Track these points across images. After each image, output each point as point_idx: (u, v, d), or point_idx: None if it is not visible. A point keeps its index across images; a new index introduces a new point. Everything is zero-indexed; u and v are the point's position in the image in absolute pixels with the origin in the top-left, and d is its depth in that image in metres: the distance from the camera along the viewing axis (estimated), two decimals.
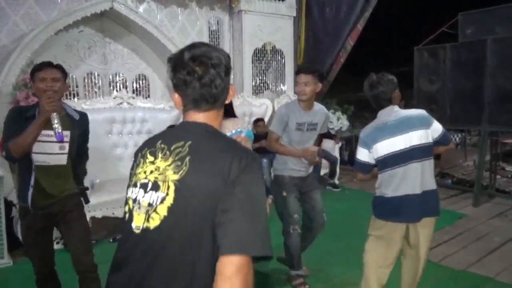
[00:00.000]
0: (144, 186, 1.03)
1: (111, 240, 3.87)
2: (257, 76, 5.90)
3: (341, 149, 6.61)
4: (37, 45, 3.93)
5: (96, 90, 4.92)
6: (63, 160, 2.16)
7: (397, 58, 11.21)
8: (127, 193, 1.09)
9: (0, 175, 3.38)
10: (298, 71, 2.88)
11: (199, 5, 5.36)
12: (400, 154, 2.17)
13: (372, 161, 2.27)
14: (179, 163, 1.00)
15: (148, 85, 5.38)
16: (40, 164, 2.11)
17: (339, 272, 3.23)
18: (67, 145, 2.15)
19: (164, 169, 1.01)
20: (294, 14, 6.08)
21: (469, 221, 4.42)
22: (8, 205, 3.66)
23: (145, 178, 1.04)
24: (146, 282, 0.98)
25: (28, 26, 4.12)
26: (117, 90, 4.99)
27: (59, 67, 2.18)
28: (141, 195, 1.03)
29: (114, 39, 5.00)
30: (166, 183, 0.99)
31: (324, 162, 5.74)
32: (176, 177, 0.99)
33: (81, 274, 2.25)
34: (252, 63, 5.74)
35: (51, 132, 2.05)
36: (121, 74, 5.15)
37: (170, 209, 0.98)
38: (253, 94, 5.79)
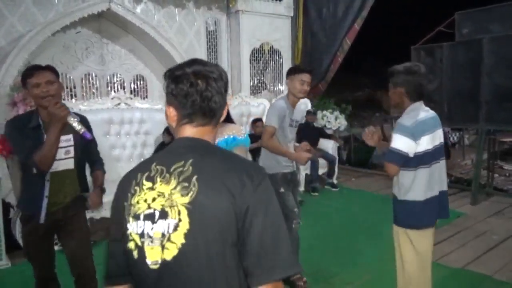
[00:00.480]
0: (150, 217, 0.94)
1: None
2: (255, 76, 5.90)
3: (339, 148, 6.62)
4: (34, 46, 3.92)
5: (93, 91, 4.91)
6: (70, 164, 2.13)
7: (394, 57, 11.23)
8: (126, 229, 0.97)
9: None
10: (301, 70, 2.85)
11: (196, 5, 5.36)
12: (430, 153, 2.12)
13: (411, 155, 2.08)
14: (185, 184, 0.93)
15: (146, 85, 5.38)
16: (52, 171, 2.05)
17: (338, 271, 3.24)
18: (72, 149, 2.11)
19: (169, 194, 0.94)
20: (292, 14, 6.09)
21: (467, 219, 4.44)
22: (6, 206, 3.65)
23: (149, 207, 0.95)
24: None
25: (25, 27, 4.12)
26: (114, 91, 4.98)
27: (50, 68, 2.06)
28: (149, 227, 0.94)
29: (111, 40, 5.00)
30: (176, 208, 0.92)
31: (323, 162, 5.75)
32: (186, 200, 0.92)
33: (81, 278, 2.22)
34: (250, 63, 5.74)
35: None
36: (118, 75, 5.15)
37: (187, 235, 0.91)
38: (251, 94, 5.80)
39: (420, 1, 12.05)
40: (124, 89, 5.09)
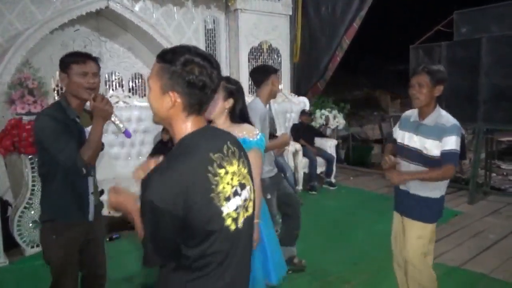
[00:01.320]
0: (235, 193, 1.12)
1: (107, 239, 3.86)
2: None
3: (337, 147, 6.63)
4: (32, 44, 3.91)
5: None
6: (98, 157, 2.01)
7: (393, 56, 11.24)
8: (220, 212, 1.06)
9: None
10: (276, 70, 2.94)
11: (195, 4, 5.35)
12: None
13: None
14: (242, 159, 1.18)
15: (144, 84, 5.37)
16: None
17: (336, 270, 3.24)
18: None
19: (238, 170, 1.14)
20: (290, 13, 6.09)
21: (464, 218, 4.45)
22: (4, 204, 3.65)
23: (232, 187, 1.11)
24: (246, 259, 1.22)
25: (23, 25, 4.10)
26: (113, 89, 4.98)
27: (96, 60, 1.95)
28: (238, 199, 1.13)
29: (110, 38, 4.99)
30: (246, 177, 1.19)
31: (321, 161, 5.76)
32: (246, 169, 1.20)
33: (92, 282, 2.15)
34: (249, 61, 5.73)
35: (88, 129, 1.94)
36: (117, 73, 5.14)
37: (252, 191, 1.23)
38: (249, 92, 5.79)
39: (418, 0, 12.07)
40: (122, 87, 5.08)
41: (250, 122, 2.07)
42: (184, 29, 5.32)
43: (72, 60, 1.88)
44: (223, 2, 5.56)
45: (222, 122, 1.96)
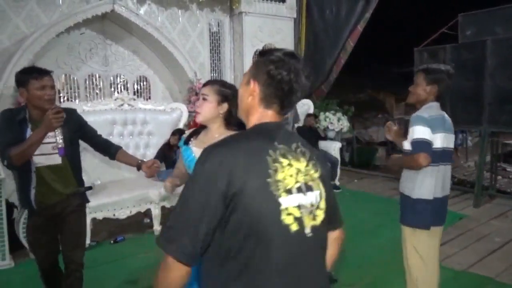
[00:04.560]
0: (300, 190, 1.05)
1: (112, 242, 3.88)
2: None
3: (341, 150, 6.62)
4: (38, 47, 3.95)
5: (97, 91, 4.94)
6: (57, 159, 2.18)
7: (397, 59, 11.21)
8: (278, 204, 1.00)
9: (1, 177, 3.39)
10: None
11: (199, 7, 5.37)
12: (440, 152, 2.13)
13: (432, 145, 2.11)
14: (313, 161, 1.12)
15: (149, 86, 5.40)
16: (39, 165, 2.14)
17: (338, 273, 3.23)
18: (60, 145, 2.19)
19: (306, 170, 1.09)
20: (295, 16, 6.09)
21: (470, 221, 4.42)
22: (10, 206, 3.67)
23: (296, 182, 1.05)
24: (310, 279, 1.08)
25: (30, 29, 4.14)
26: (118, 92, 5.01)
27: (50, 73, 2.14)
28: (303, 198, 1.05)
29: (115, 41, 5.02)
30: (316, 181, 1.10)
31: None
32: (318, 174, 1.12)
33: (66, 270, 2.29)
34: None
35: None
36: (122, 76, 5.17)
37: (326, 201, 1.13)
38: None
39: (423, 3, 12.04)
40: (127, 90, 5.11)
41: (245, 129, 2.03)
42: (188, 32, 5.34)
43: (30, 76, 2.05)
44: (227, 5, 5.59)
45: (216, 128, 1.85)
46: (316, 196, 1.09)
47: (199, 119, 1.84)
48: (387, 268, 3.28)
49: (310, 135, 5.78)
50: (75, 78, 4.79)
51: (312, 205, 1.07)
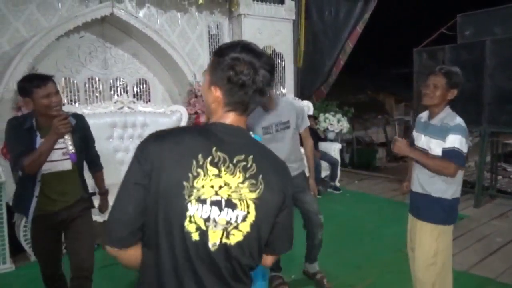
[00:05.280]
0: (217, 204, 1.00)
1: None
2: None
3: (341, 151, 6.62)
4: (38, 51, 3.95)
5: (97, 94, 4.94)
6: (66, 165, 2.18)
7: (397, 59, 11.22)
8: (185, 209, 0.99)
9: (1, 180, 3.40)
10: None
11: (198, 9, 5.39)
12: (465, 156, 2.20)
13: None
14: (253, 181, 1.03)
15: (149, 89, 5.40)
16: (45, 172, 2.13)
17: (340, 274, 3.24)
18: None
19: (237, 187, 1.01)
20: (294, 18, 6.10)
21: (470, 222, 4.42)
22: (10, 210, 3.67)
23: (216, 194, 1.00)
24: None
25: (29, 32, 4.15)
26: (117, 95, 5.01)
27: (52, 79, 2.14)
28: (216, 213, 1.00)
29: (114, 44, 5.03)
30: (245, 202, 1.02)
31: (325, 165, 5.75)
32: (254, 195, 1.03)
33: (77, 278, 2.26)
34: None
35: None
36: (121, 79, 5.18)
37: (252, 225, 1.03)
38: None
39: (422, 3, 12.05)
40: (127, 93, 5.11)
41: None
42: (188, 35, 5.35)
43: (33, 85, 2.04)
44: (226, 8, 5.60)
45: None
46: (236, 216, 1.01)
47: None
48: (387, 269, 3.28)
49: (311, 136, 5.78)
50: (75, 81, 4.79)
51: (227, 223, 1.01)
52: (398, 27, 12.16)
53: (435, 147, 2.17)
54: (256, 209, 1.03)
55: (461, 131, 2.11)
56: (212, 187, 1.00)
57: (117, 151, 4.58)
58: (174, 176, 0.99)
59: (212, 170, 1.00)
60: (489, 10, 5.30)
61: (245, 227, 1.03)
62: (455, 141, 2.08)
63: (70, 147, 2.06)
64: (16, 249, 3.47)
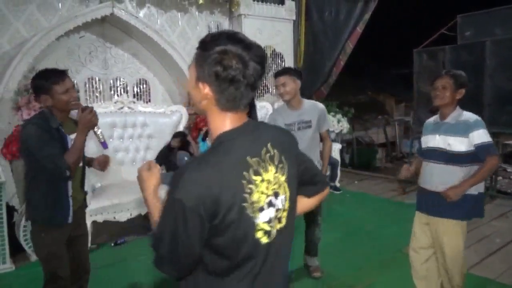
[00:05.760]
0: (270, 204, 1.03)
1: (112, 245, 3.88)
2: None
3: (341, 151, 6.62)
4: (38, 50, 3.95)
5: (97, 94, 4.94)
6: (81, 161, 2.17)
7: (397, 60, 11.22)
8: (252, 224, 0.99)
9: (1, 180, 3.40)
10: (274, 76, 2.96)
11: (199, 9, 5.39)
12: None
13: None
14: (281, 165, 1.06)
15: (149, 89, 5.40)
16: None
17: (340, 275, 3.23)
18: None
19: (274, 178, 1.04)
20: (294, 18, 6.11)
21: (470, 222, 4.33)
22: (10, 210, 3.67)
23: (267, 197, 1.02)
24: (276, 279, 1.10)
25: (30, 32, 4.15)
26: (118, 95, 5.01)
27: (67, 72, 2.12)
28: (272, 211, 1.04)
29: (114, 44, 5.03)
30: (282, 186, 1.07)
31: None
32: (285, 177, 1.08)
33: (78, 280, 2.28)
34: None
35: (72, 136, 2.09)
36: (122, 79, 5.18)
37: (289, 201, 1.10)
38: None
39: (422, 4, 12.06)
40: (127, 93, 5.11)
41: None
42: (188, 35, 5.35)
43: (51, 82, 2.00)
44: (226, 8, 5.60)
45: None
46: (282, 201, 1.06)
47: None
48: (388, 269, 3.28)
49: None
50: (75, 81, 4.78)
51: (277, 211, 1.05)
52: (398, 27, 12.17)
53: (456, 143, 2.25)
54: (289, 186, 1.09)
55: (482, 125, 2.24)
56: (262, 193, 1.01)
57: (117, 151, 4.58)
58: (234, 203, 0.95)
59: (257, 179, 1.00)
60: (489, 11, 5.31)
61: (287, 205, 1.09)
62: (483, 135, 2.20)
63: (100, 136, 2.08)
64: (16, 249, 3.47)
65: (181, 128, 4.88)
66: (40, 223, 2.10)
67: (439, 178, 2.32)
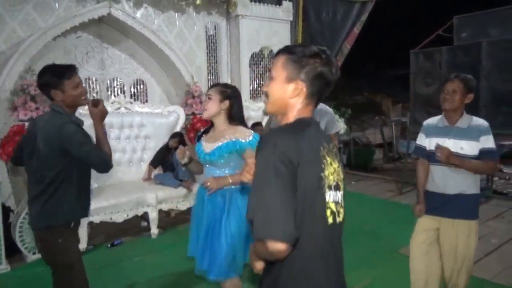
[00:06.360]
0: (335, 188, 1.16)
1: (109, 246, 3.86)
2: (254, 80, 5.92)
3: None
4: (35, 50, 3.94)
5: (94, 95, 4.93)
6: None
7: (394, 61, 11.26)
8: (324, 198, 1.11)
9: None
10: None
11: (196, 10, 5.38)
12: None
13: None
14: (340, 164, 1.22)
15: (146, 90, 5.39)
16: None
17: None
18: None
19: (337, 170, 1.18)
20: (291, 19, 6.11)
21: None
22: (6, 210, 3.65)
23: (333, 180, 1.15)
24: (340, 263, 1.23)
25: (26, 32, 4.13)
26: (115, 95, 5.00)
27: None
28: (337, 195, 1.16)
29: (111, 44, 5.02)
30: (342, 182, 1.20)
31: None
32: (342, 175, 1.22)
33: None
34: (250, 67, 5.75)
35: None
36: (118, 79, 5.17)
37: (343, 200, 1.22)
38: (250, 98, 5.82)
39: (418, 5, 12.11)
40: (124, 93, 5.10)
41: (245, 125, 2.28)
42: (185, 35, 5.35)
43: (63, 76, 2.00)
44: (224, 8, 5.60)
45: (221, 122, 2.21)
46: (341, 196, 1.19)
47: (205, 115, 2.21)
48: (385, 269, 3.28)
49: None
50: None
51: (337, 203, 1.17)
52: (395, 28, 12.20)
53: (469, 147, 2.28)
54: (344, 188, 1.21)
55: (491, 131, 2.32)
56: (331, 174, 1.14)
57: (113, 152, 4.54)
58: (314, 170, 1.09)
59: (328, 160, 1.14)
60: (486, 12, 5.34)
61: (343, 203, 1.22)
62: (491, 141, 2.28)
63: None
64: (11, 250, 3.45)
65: (178, 128, 4.87)
66: (61, 225, 2.01)
67: (452, 181, 2.32)
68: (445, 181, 2.34)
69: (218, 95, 2.18)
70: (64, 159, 1.97)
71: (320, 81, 1.15)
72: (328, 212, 1.12)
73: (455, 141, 2.31)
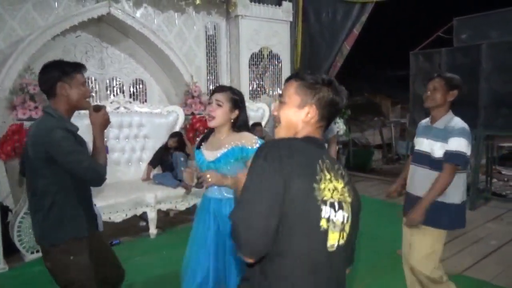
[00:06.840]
0: (332, 206, 1.10)
1: None
2: (254, 80, 5.91)
3: (338, 153, 6.63)
4: (34, 49, 3.93)
5: (93, 94, 4.92)
6: None
7: (393, 62, 11.26)
8: (318, 210, 1.07)
9: None
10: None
11: (196, 10, 5.37)
12: (467, 159, 2.23)
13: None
14: (349, 187, 1.17)
15: (145, 89, 5.39)
16: None
17: None
18: None
19: (342, 191, 1.14)
20: (291, 19, 6.11)
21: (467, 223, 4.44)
22: (4, 210, 3.64)
23: (331, 197, 1.10)
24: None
25: (25, 31, 4.12)
26: (114, 95, 4.99)
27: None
28: (333, 214, 1.10)
29: (111, 43, 5.01)
30: (347, 204, 1.14)
31: None
32: (350, 199, 1.16)
33: (115, 284, 2.28)
34: (249, 67, 5.75)
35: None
36: (118, 79, 5.16)
37: (350, 226, 1.16)
38: (250, 98, 5.81)
39: (418, 6, 12.11)
40: (123, 93, 5.09)
41: (250, 131, 2.12)
42: (185, 35, 5.34)
43: (75, 70, 1.85)
44: (224, 9, 5.59)
45: (225, 130, 2.04)
46: (344, 217, 1.13)
47: (213, 124, 2.00)
48: (383, 270, 3.28)
49: None
50: None
51: (342, 223, 1.12)
52: (395, 29, 12.21)
53: (438, 149, 2.21)
54: (352, 211, 1.16)
55: (465, 134, 2.16)
56: (329, 190, 1.10)
57: (113, 152, 4.56)
58: (305, 179, 1.06)
59: (328, 175, 1.11)
60: (485, 14, 5.34)
61: (348, 228, 1.15)
62: (460, 144, 2.13)
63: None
64: (9, 250, 3.44)
65: (177, 128, 4.87)
66: (68, 241, 1.80)
67: (421, 183, 2.27)
68: (418, 183, 2.33)
69: (228, 103, 2.00)
70: (52, 169, 1.74)
71: (331, 107, 1.20)
72: (322, 226, 1.08)
73: (431, 142, 2.26)
